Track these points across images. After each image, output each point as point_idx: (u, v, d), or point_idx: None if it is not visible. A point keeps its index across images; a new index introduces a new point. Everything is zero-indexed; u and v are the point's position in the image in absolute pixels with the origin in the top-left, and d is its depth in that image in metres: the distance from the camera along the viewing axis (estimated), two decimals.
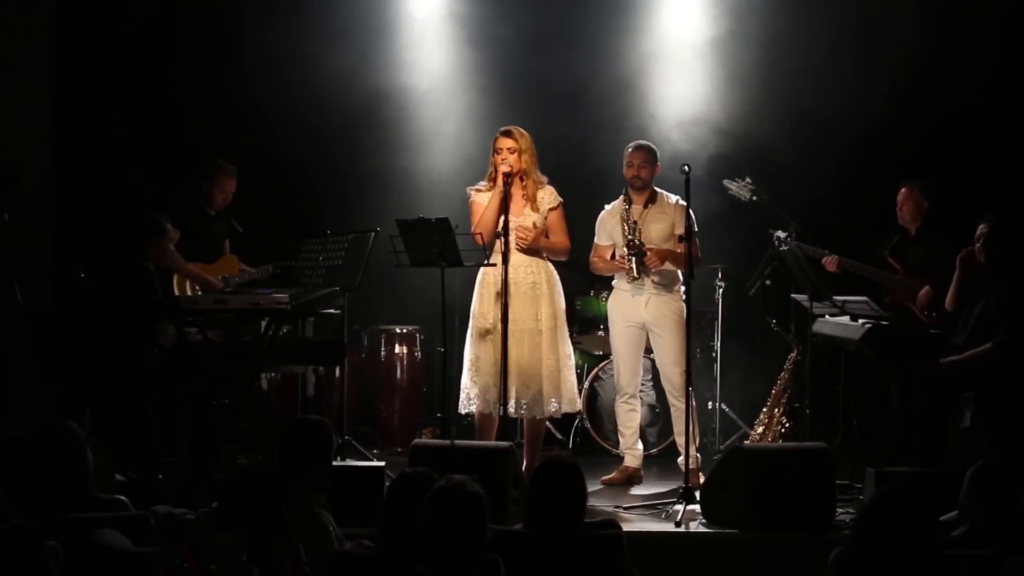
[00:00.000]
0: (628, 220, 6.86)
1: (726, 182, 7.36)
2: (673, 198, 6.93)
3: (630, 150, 6.96)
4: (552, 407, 6.68)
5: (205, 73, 8.39)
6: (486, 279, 6.67)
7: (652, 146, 7.03)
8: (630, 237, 6.83)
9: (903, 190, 7.26)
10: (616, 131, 8.09)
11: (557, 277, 6.79)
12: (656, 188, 6.97)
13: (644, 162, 6.89)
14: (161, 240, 6.62)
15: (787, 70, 8.17)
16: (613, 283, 7.14)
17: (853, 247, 7.30)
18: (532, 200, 6.65)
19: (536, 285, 6.66)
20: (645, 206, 6.91)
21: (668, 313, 6.89)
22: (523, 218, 6.64)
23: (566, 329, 6.83)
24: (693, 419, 6.58)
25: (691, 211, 6.59)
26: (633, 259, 6.82)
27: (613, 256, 7.02)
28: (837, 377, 7.24)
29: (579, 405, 7.04)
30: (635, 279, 6.87)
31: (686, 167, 6.41)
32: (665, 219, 6.88)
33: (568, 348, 6.80)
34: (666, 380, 7.00)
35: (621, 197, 6.95)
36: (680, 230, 6.73)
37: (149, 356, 6.37)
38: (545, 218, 6.70)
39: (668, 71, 8.51)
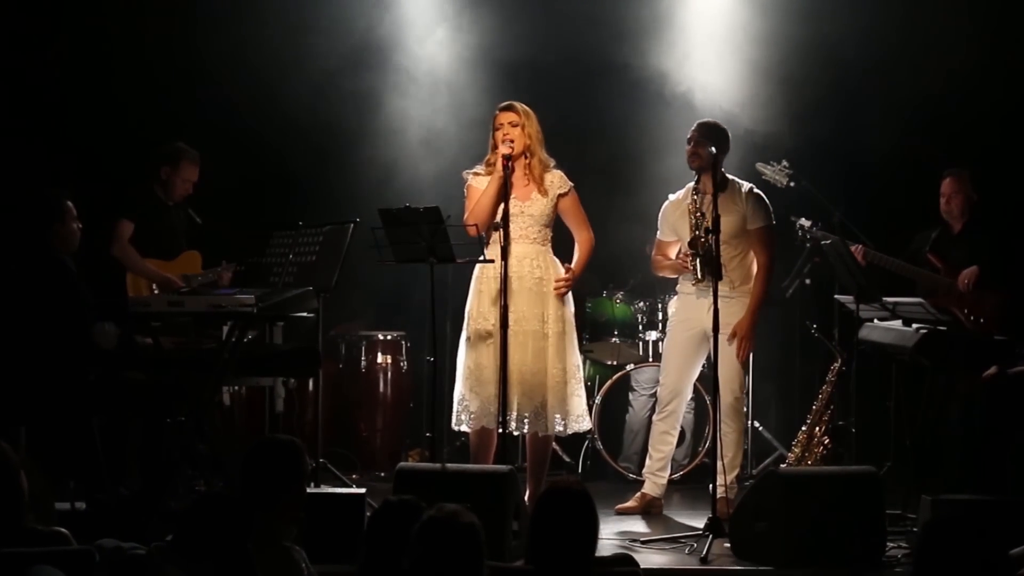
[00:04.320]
0: (696, 212, 6.79)
1: (760, 166, 7.37)
2: (746, 186, 6.91)
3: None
4: (558, 425, 6.66)
5: (155, 43, 8.35)
6: (484, 274, 6.63)
7: (715, 123, 6.95)
8: (696, 232, 6.78)
9: (949, 180, 7.22)
10: (639, 107, 8.12)
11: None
12: (728, 175, 6.91)
13: (700, 138, 6.78)
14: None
15: (828, 40, 8.18)
16: (677, 287, 7.09)
17: (891, 242, 7.30)
18: (539, 183, 6.64)
19: (543, 281, 6.64)
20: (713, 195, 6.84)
21: (738, 316, 6.85)
22: (530, 203, 6.61)
23: (575, 336, 6.80)
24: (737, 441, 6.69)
25: (767, 201, 6.72)
26: (698, 259, 6.76)
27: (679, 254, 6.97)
28: (888, 391, 7.25)
29: (588, 424, 7.01)
30: (698, 281, 6.82)
31: (712, 148, 6.40)
32: (735, 211, 6.82)
33: (577, 359, 6.79)
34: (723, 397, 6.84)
35: (689, 185, 6.91)
36: (754, 224, 6.80)
37: (91, 366, 6.36)
38: (555, 204, 6.69)
39: (696, 45, 8.50)
